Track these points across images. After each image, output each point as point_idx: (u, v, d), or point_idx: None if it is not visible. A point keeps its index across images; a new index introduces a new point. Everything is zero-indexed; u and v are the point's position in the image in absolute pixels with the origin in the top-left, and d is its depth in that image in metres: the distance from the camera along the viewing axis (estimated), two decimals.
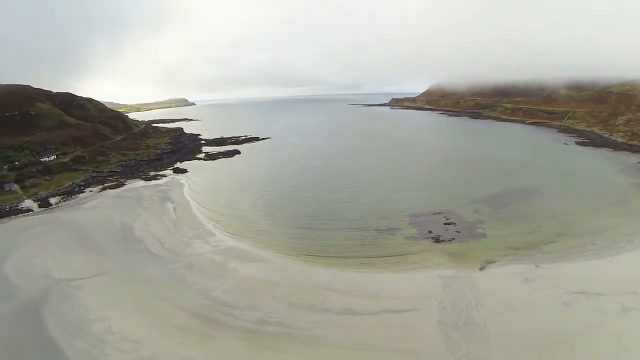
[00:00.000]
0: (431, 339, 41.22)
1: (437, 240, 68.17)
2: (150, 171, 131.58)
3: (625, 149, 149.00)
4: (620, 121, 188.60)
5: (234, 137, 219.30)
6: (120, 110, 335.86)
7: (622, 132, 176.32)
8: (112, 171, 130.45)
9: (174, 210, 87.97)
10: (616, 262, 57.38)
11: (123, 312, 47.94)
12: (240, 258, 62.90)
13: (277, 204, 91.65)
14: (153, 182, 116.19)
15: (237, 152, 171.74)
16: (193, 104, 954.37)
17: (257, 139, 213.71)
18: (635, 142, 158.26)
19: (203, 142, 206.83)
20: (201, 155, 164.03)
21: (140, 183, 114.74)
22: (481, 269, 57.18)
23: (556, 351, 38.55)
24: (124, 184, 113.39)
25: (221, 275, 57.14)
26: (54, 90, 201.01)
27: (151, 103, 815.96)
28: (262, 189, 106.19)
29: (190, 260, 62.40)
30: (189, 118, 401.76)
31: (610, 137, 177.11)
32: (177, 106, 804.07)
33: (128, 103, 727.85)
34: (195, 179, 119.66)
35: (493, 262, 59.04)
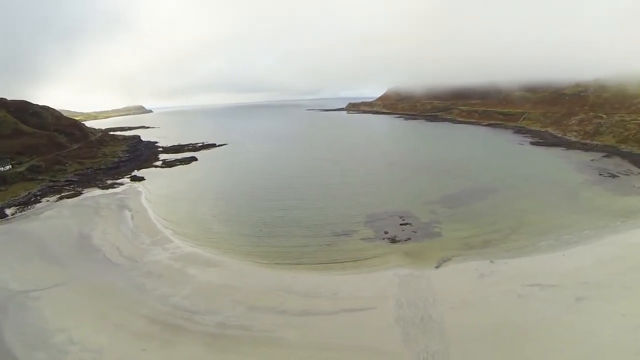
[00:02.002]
0: (390, 336, 43.42)
1: (393, 240, 71.18)
2: (108, 179, 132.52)
3: (578, 148, 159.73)
4: (573, 121, 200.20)
5: (191, 144, 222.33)
6: (77, 118, 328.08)
7: (575, 131, 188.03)
8: (69, 180, 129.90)
9: (132, 218, 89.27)
10: (569, 255, 61.92)
11: (83, 322, 48.26)
12: (199, 264, 64.40)
13: (234, 209, 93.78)
14: (110, 190, 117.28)
15: (194, 159, 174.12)
16: (150, 111, 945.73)
17: (214, 145, 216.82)
18: (588, 141, 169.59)
19: (160, 149, 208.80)
20: (158, 163, 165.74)
21: (97, 192, 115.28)
22: (437, 266, 60.25)
23: (512, 342, 41.39)
24: (82, 193, 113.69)
25: (180, 282, 58.33)
26: (9, 98, 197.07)
27: (108, 111, 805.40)
28: (219, 195, 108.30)
29: (149, 267, 63.53)
30: (146, 125, 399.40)
31: (564, 136, 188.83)
32: (134, 113, 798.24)
33: (85, 111, 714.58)
34: (153, 186, 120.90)
35: (449, 259, 62.37)
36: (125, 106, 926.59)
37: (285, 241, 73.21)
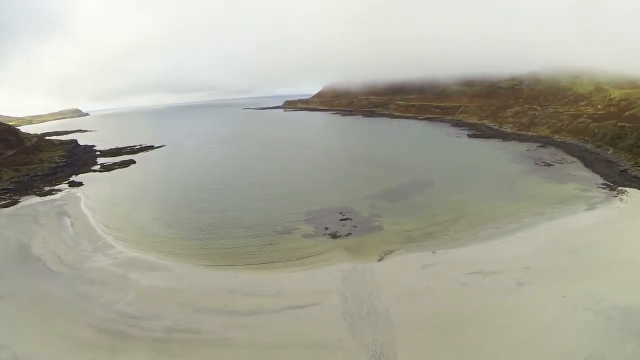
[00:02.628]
0: (337, 330, 43.83)
1: (334, 236, 71.71)
2: (46, 186, 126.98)
3: (514, 139, 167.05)
4: (508, 113, 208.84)
5: (129, 146, 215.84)
6: (11, 123, 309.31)
7: (511, 123, 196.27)
8: (4, 189, 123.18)
9: (72, 224, 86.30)
10: (508, 242, 64.63)
11: (27, 336, 46.15)
12: (142, 268, 63.07)
13: (174, 212, 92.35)
14: (49, 197, 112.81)
15: (133, 161, 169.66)
16: (87, 114, 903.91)
17: (152, 147, 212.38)
18: (523, 132, 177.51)
19: (98, 153, 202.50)
20: (96, 167, 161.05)
21: (35, 199, 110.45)
22: (379, 260, 61.18)
23: (457, 328, 42.70)
24: (19, 201, 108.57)
25: (123, 287, 56.97)
26: None
27: (44, 115, 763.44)
28: (159, 198, 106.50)
29: (91, 274, 61.59)
30: (83, 129, 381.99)
31: (500, 128, 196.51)
32: (70, 117, 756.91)
33: (19, 115, 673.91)
34: (92, 191, 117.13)
35: (391, 252, 63.48)
36: (61, 110, 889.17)
37: (227, 242, 72.66)
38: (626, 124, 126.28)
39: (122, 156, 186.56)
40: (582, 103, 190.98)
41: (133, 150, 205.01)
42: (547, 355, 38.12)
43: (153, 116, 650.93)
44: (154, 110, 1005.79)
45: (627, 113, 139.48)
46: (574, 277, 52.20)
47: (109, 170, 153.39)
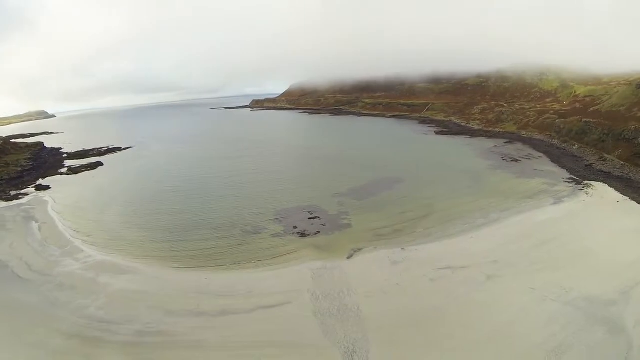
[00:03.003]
0: (308, 328, 44.22)
1: (303, 235, 72.07)
2: (12, 190, 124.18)
3: (481, 135, 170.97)
4: (476, 110, 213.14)
5: (96, 148, 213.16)
6: None
7: (478, 120, 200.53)
8: None
9: (39, 229, 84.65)
10: (477, 237, 66.11)
11: None
12: (112, 272, 62.33)
13: (143, 214, 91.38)
14: (15, 201, 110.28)
15: (100, 164, 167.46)
16: (53, 116, 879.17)
17: (119, 149, 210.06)
18: (490, 129, 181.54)
19: (65, 155, 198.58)
20: (64, 170, 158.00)
21: (1, 204, 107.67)
22: (349, 257, 61.70)
23: (428, 323, 43.48)
24: None
25: (94, 292, 56.23)
26: None
27: (9, 117, 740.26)
28: (127, 200, 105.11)
29: (61, 279, 60.56)
30: (50, 131, 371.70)
31: (467, 125, 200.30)
32: (36, 119, 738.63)
33: None
34: (59, 195, 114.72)
35: (360, 249, 64.11)
36: (27, 111, 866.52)
37: (196, 243, 72.31)
38: (591, 120, 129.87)
39: (90, 158, 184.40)
40: (548, 100, 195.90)
41: (100, 152, 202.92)
42: (517, 346, 39.16)
43: (121, 117, 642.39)
44: (121, 111, 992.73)
45: (591, 109, 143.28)
46: (542, 270, 53.79)
47: (76, 173, 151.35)
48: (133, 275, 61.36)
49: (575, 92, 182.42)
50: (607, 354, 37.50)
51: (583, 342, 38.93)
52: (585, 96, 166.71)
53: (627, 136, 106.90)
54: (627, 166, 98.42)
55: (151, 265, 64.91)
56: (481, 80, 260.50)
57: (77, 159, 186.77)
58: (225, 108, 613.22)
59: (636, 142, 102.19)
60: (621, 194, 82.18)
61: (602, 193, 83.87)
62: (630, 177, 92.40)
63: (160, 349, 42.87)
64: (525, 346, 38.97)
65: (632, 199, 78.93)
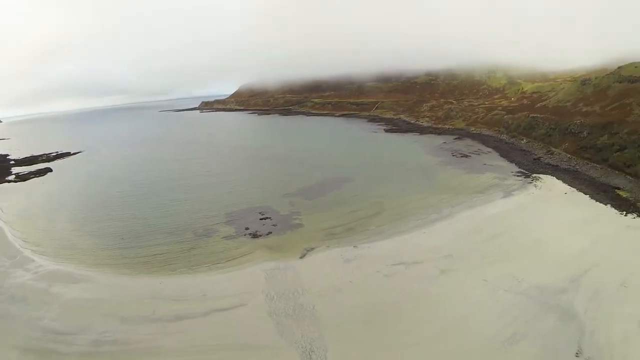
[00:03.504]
0: (265, 330, 44.30)
1: (255, 235, 72.13)
2: None
3: (431, 132, 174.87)
4: (425, 108, 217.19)
5: (44, 154, 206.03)
6: None
7: (427, 117, 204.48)
8: None
9: None
10: (429, 233, 67.61)
11: None
12: (64, 281, 60.46)
13: (94, 221, 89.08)
14: None
15: (49, 169, 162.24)
16: None
17: (68, 154, 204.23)
18: (440, 126, 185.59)
19: (12, 162, 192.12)
20: (11, 177, 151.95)
21: None
22: (302, 257, 62.11)
23: (384, 320, 44.22)
24: None
25: (46, 302, 54.40)
26: None
27: None
28: (77, 206, 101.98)
29: (12, 291, 58.33)
30: None
31: (417, 122, 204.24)
32: None
33: None
34: (7, 203, 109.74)
35: (312, 249, 64.61)
36: None
37: (149, 249, 71.28)
38: (538, 115, 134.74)
39: (38, 164, 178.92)
40: (496, 96, 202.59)
41: (49, 157, 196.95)
42: (473, 337, 40.34)
43: (70, 121, 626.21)
44: (71, 115, 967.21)
45: (538, 105, 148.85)
46: (494, 262, 55.55)
47: (24, 180, 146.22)
48: (86, 283, 59.86)
49: (522, 88, 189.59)
50: (560, 341, 39.03)
51: (536, 330, 40.45)
52: (533, 92, 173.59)
53: (573, 130, 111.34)
54: (574, 159, 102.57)
55: (104, 272, 63.52)
56: (430, 78, 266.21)
57: (25, 165, 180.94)
58: (175, 110, 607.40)
59: (582, 135, 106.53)
60: (569, 185, 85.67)
61: (550, 185, 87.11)
62: (577, 169, 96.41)
63: (117, 357, 42.25)
64: (481, 337, 40.14)
65: (579, 190, 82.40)
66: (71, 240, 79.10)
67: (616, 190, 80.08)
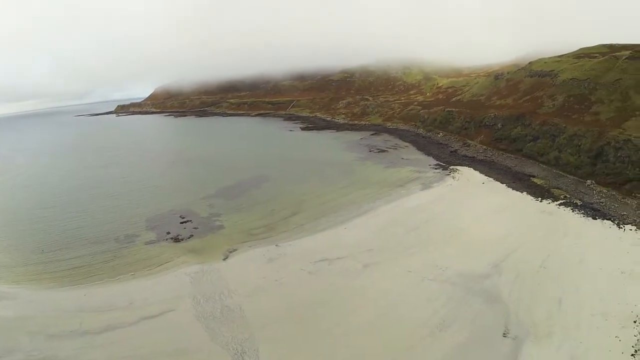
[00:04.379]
0: (194, 334, 44.21)
1: (176, 240, 71.66)
2: None
3: (347, 129, 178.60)
4: (341, 105, 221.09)
5: None
6: None
7: (344, 114, 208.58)
8: None
9: None
10: (350, 228, 69.51)
11: None
12: None
13: (10, 234, 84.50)
14: None
15: None
16: None
17: None
18: (356, 122, 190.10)
19: None
20: None
21: None
22: (225, 258, 62.30)
23: (312, 316, 45.18)
24: None
25: None
26: None
27: None
28: None
29: None
30: None
31: (333, 119, 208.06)
32: None
33: None
34: None
35: (235, 250, 64.90)
36: None
37: (71, 261, 68.50)
38: (453, 109, 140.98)
39: None
40: (412, 92, 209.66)
41: None
42: (403, 326, 41.99)
43: None
44: None
45: (453, 99, 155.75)
46: (417, 252, 57.89)
47: None
48: (7, 301, 57.01)
49: (437, 84, 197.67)
50: (487, 323, 41.50)
51: (464, 315, 42.77)
52: (448, 87, 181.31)
53: (487, 123, 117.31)
54: (489, 150, 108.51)
55: (26, 288, 60.74)
56: (346, 75, 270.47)
57: None
58: (90, 115, 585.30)
59: (496, 127, 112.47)
60: (486, 176, 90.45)
61: (468, 176, 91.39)
62: (492, 159, 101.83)
63: None
64: (411, 325, 41.95)
65: (496, 179, 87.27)
66: None
67: (531, 178, 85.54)
